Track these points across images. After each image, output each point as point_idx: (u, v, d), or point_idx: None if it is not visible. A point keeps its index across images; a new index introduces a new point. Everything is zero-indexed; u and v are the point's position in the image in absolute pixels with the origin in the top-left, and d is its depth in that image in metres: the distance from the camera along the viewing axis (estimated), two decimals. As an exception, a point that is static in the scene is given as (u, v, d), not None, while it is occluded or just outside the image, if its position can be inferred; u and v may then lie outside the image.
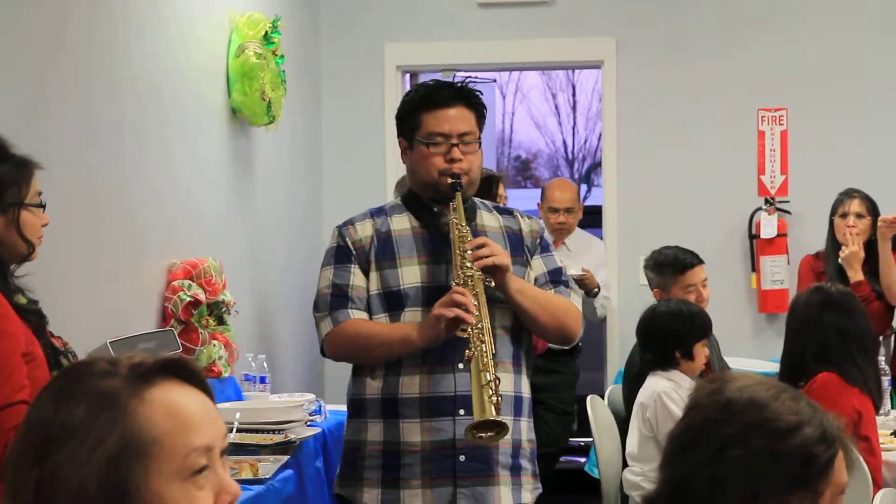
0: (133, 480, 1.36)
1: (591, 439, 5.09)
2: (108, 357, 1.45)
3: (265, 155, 5.91)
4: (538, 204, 6.50)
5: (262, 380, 5.10)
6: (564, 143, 21.84)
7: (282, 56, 5.57)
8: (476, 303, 3.11)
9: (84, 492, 1.35)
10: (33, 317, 2.87)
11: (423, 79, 7.08)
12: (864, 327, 4.20)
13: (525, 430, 3.36)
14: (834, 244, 5.82)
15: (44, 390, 1.44)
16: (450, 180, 3.28)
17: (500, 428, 3.02)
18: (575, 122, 21.48)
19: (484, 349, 3.05)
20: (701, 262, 5.09)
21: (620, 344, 6.83)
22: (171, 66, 4.86)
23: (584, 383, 6.30)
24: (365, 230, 3.37)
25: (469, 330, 3.07)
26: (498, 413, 3.00)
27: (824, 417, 1.69)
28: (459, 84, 3.38)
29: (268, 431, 4.19)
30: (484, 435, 3.03)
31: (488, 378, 3.01)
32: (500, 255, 3.22)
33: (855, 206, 5.78)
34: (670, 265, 5.06)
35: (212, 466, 1.42)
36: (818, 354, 4.11)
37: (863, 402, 4.05)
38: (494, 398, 3.00)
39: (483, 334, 3.08)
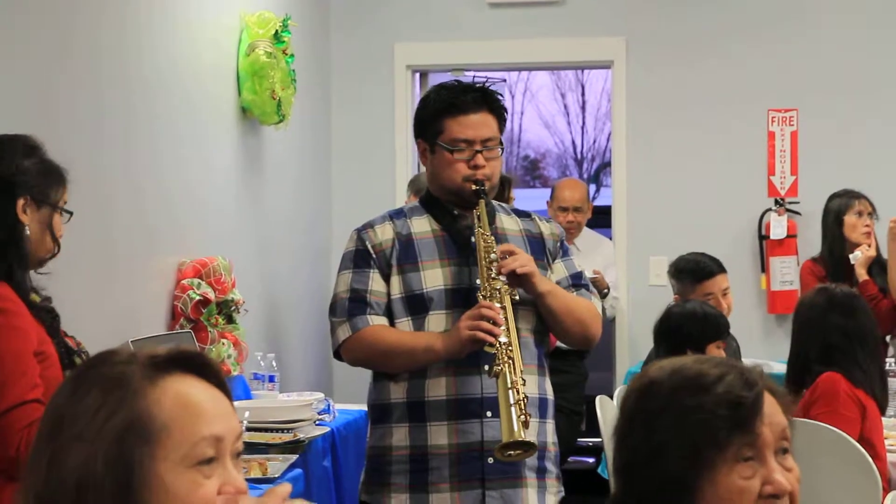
0: (137, 461, 1.38)
1: (599, 440, 5.08)
2: (130, 349, 1.49)
3: (275, 154, 5.91)
4: (547, 203, 6.49)
5: (271, 379, 5.10)
6: (573, 142, 21.82)
7: (292, 55, 5.58)
8: (504, 317, 3.10)
9: (89, 468, 1.37)
10: (46, 315, 2.88)
11: (432, 78, 7.08)
12: (869, 327, 4.18)
13: (550, 431, 3.35)
14: (840, 244, 5.83)
15: (68, 377, 1.48)
16: (473, 187, 3.26)
17: (528, 447, 3.01)
18: (584, 122, 21.46)
19: (513, 365, 3.03)
20: (722, 270, 5.05)
21: (629, 344, 6.82)
22: (181, 65, 4.86)
23: (592, 383, 6.29)
24: (385, 233, 3.33)
25: (497, 345, 3.05)
26: (525, 432, 2.99)
27: (742, 366, 1.74)
28: (481, 86, 3.35)
29: (277, 430, 4.19)
30: (513, 453, 3.02)
31: (518, 397, 2.99)
32: (528, 262, 3.21)
33: (867, 205, 5.83)
34: (690, 273, 5.04)
35: (220, 460, 1.43)
36: (822, 356, 4.09)
37: (867, 403, 4.03)
38: (523, 417, 2.98)
39: (511, 350, 3.06)
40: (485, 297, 3.14)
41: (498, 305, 3.11)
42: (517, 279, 3.18)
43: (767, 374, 1.75)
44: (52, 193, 2.91)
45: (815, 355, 4.10)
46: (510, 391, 3.00)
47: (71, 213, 3.00)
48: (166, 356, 1.45)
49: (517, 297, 3.19)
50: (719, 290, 5.00)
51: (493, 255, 3.17)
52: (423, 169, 3.56)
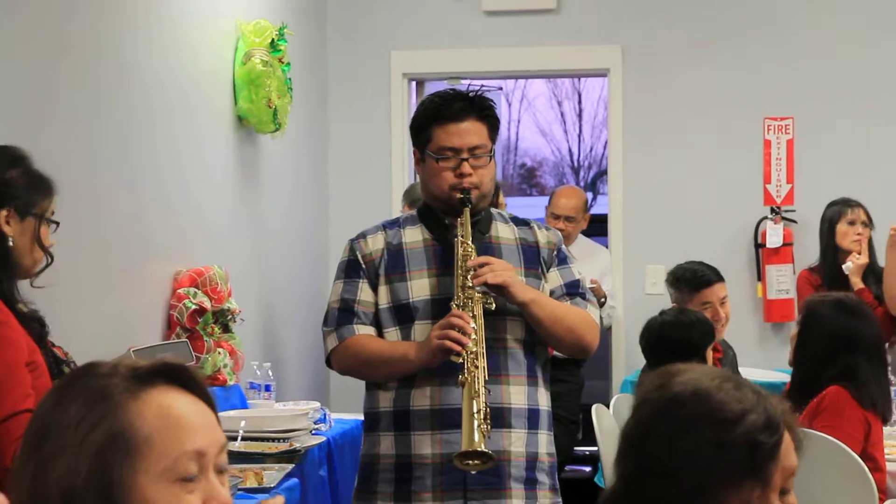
0: (119, 474, 1.37)
1: (595, 448, 5.08)
2: (112, 360, 1.47)
3: (271, 162, 5.91)
4: (546, 207, 6.50)
5: (268, 388, 5.09)
6: (570, 150, 21.81)
7: (288, 63, 5.57)
8: (474, 326, 3.09)
9: (72, 480, 1.37)
10: (36, 324, 2.87)
11: (429, 87, 7.09)
12: (882, 340, 4.14)
13: (544, 443, 3.33)
14: (835, 252, 5.83)
15: (51, 388, 1.48)
16: (459, 195, 3.25)
17: (486, 458, 3.00)
18: (581, 130, 21.46)
19: (477, 375, 3.03)
20: (720, 279, 5.04)
21: (626, 353, 6.82)
22: (177, 73, 4.86)
23: (589, 392, 6.29)
24: (376, 243, 3.34)
25: (464, 354, 3.06)
26: (485, 443, 2.99)
27: (768, 403, 1.71)
28: (472, 95, 3.34)
29: (273, 440, 4.18)
30: (471, 462, 3.01)
31: (479, 406, 3.00)
32: (502, 272, 3.18)
33: (861, 214, 5.83)
34: (687, 281, 5.04)
35: (203, 474, 1.42)
36: (840, 375, 4.00)
37: (872, 420, 4.00)
38: (483, 426, 2.99)
39: (477, 359, 3.06)
40: (458, 305, 3.14)
41: (470, 315, 3.11)
42: (496, 289, 3.18)
43: (791, 412, 1.72)
44: (37, 204, 2.90)
45: (833, 374, 4.00)
46: (472, 400, 3.00)
47: (58, 224, 2.99)
48: (149, 368, 1.44)
49: (492, 306, 3.19)
50: (717, 298, 5.01)
51: (468, 264, 3.17)
52: (419, 178, 3.57)
